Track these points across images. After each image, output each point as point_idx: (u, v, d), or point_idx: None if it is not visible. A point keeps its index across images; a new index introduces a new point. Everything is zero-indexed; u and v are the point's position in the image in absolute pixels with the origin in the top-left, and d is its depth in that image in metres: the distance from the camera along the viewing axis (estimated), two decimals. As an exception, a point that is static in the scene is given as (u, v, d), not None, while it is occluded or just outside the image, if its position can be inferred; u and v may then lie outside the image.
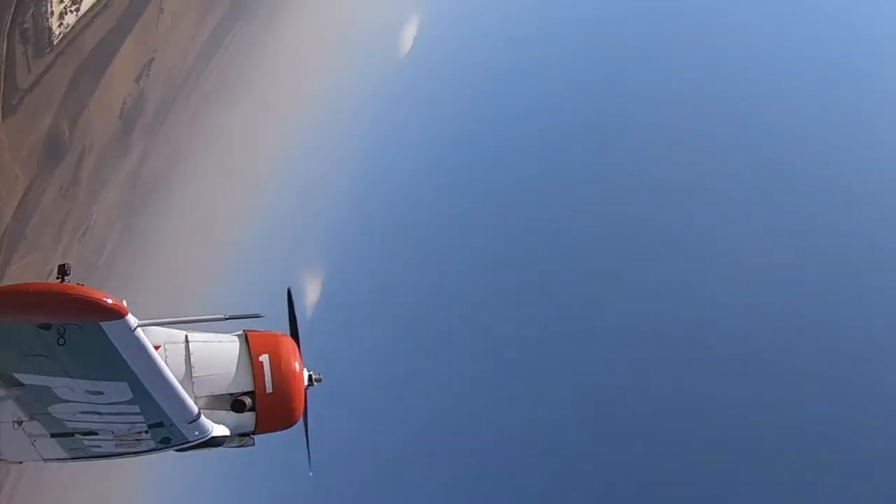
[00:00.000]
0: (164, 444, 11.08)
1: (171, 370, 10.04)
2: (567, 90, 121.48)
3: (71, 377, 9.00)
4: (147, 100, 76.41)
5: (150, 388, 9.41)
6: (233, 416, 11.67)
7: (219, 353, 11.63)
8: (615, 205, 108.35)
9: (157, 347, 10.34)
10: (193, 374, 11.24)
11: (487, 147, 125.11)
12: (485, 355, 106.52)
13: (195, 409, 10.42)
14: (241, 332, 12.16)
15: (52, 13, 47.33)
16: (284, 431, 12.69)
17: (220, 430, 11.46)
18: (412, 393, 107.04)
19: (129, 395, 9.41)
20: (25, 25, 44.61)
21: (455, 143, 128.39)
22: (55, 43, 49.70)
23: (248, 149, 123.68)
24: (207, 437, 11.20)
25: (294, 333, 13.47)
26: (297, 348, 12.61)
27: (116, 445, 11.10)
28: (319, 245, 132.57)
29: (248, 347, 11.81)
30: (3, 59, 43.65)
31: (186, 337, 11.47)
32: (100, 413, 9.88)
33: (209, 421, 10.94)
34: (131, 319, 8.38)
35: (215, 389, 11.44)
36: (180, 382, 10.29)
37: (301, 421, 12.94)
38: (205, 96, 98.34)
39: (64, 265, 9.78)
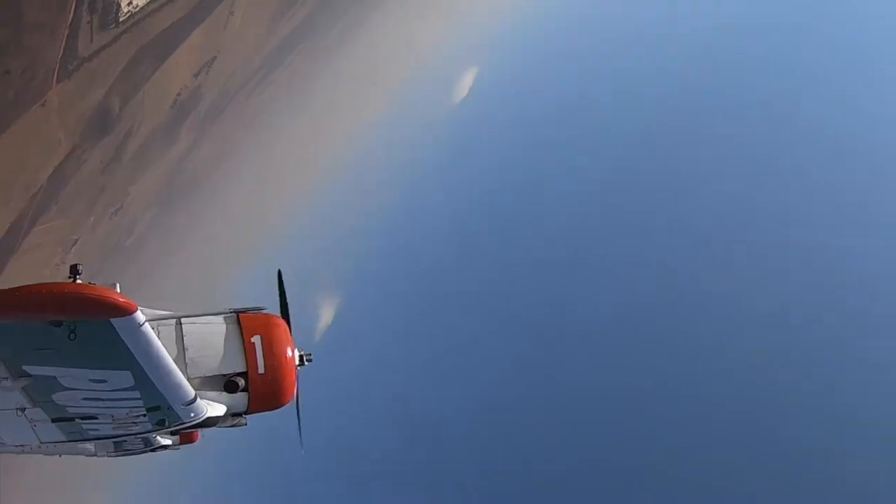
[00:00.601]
0: (160, 426, 11.10)
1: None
2: (612, 152, 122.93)
3: (77, 368, 9.19)
4: (202, 96, 77.56)
5: (152, 375, 9.52)
6: (225, 397, 11.66)
7: (211, 334, 11.65)
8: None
9: None
10: (186, 356, 11.29)
11: (524, 198, 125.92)
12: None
13: (192, 392, 10.41)
14: (232, 314, 12.09)
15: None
16: (276, 411, 12.66)
17: (214, 411, 11.47)
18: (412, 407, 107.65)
19: (132, 382, 9.54)
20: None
21: (493, 189, 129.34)
22: (121, 20, 50.53)
23: (292, 164, 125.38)
24: (202, 419, 11.17)
25: (285, 314, 13.43)
26: (288, 329, 12.54)
27: (114, 428, 11.15)
28: (343, 271, 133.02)
29: (240, 329, 11.84)
30: (69, 23, 44.36)
31: (179, 318, 11.52)
32: (101, 399, 9.98)
33: (204, 402, 10.96)
34: (139, 315, 8.58)
35: (208, 370, 11.48)
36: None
37: (293, 401, 12.90)
38: (260, 105, 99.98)
39: (76, 265, 9.89)
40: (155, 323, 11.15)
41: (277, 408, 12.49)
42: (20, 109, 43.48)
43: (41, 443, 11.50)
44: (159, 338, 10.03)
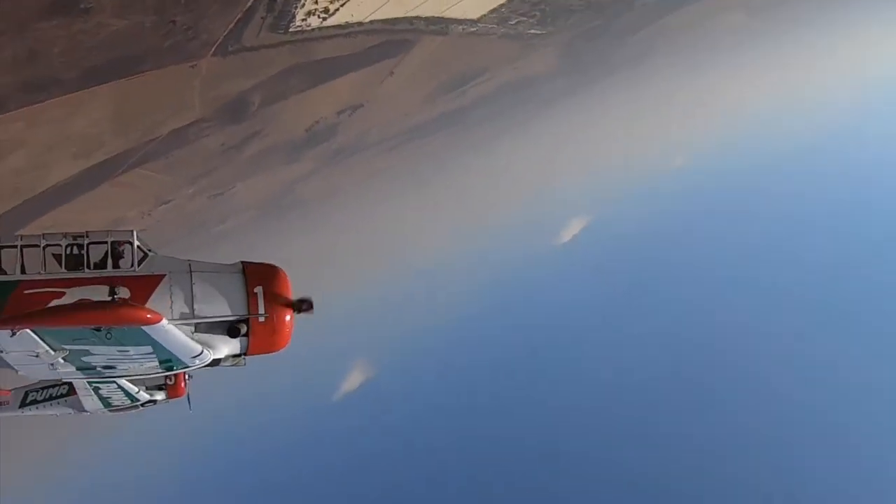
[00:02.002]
0: (168, 370, 12.38)
1: (176, 297, 11.74)
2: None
3: (108, 346, 10.73)
4: (337, 134, 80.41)
5: (168, 346, 11.02)
6: (228, 340, 12.47)
7: (219, 283, 12.42)
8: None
9: (163, 275, 11.75)
10: (195, 302, 12.02)
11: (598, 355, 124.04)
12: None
13: (198, 348, 11.61)
14: (238, 265, 12.82)
15: (303, 5, 51.32)
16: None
17: (217, 354, 12.40)
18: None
19: (150, 351, 11.13)
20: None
21: (567, 337, 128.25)
22: (290, 31, 53.65)
23: (387, 234, 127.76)
24: (206, 363, 12.22)
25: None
26: (288, 280, 13.11)
27: (127, 374, 12.79)
28: (387, 354, 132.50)
29: (245, 279, 12.59)
30: (245, 9, 47.51)
31: (190, 266, 12.32)
32: (123, 359, 11.59)
33: (209, 351, 11.99)
34: (164, 322, 10.32)
35: (213, 315, 12.25)
36: (184, 307, 11.76)
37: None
38: (384, 167, 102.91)
39: (114, 287, 11.32)
40: (168, 270, 12.03)
41: (274, 351, 13.13)
42: (171, 59, 46.31)
43: (63, 381, 13.58)
44: (171, 285, 11.81)
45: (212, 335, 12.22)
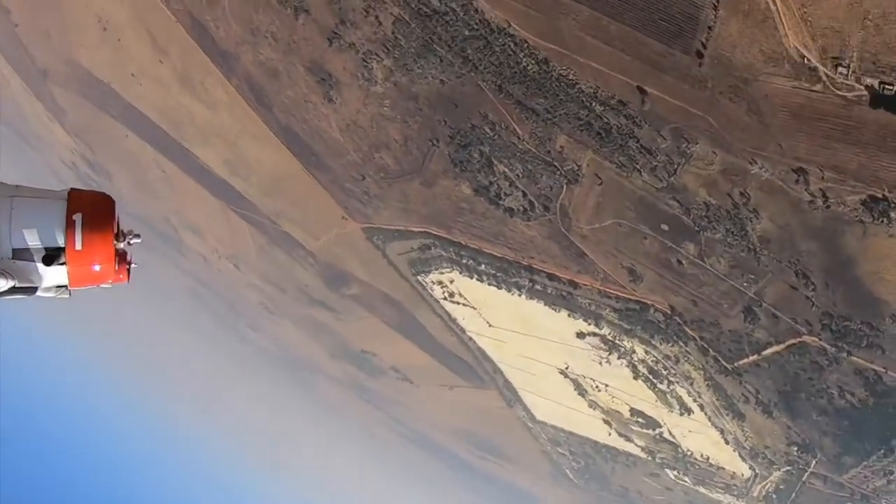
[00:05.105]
0: None
1: None
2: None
3: None
4: (377, 378, 79.41)
5: None
6: (46, 269, 10.77)
7: (39, 209, 10.79)
8: None
9: None
10: (12, 227, 10.48)
11: None
12: None
13: None
14: (65, 192, 11.07)
15: (441, 273, 53.52)
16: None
17: (36, 282, 11.35)
18: None
19: None
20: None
21: None
22: (417, 277, 55.54)
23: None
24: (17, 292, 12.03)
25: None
26: (113, 208, 12.96)
27: None
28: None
29: (67, 206, 11.12)
30: (419, 229, 50.26)
31: (15, 191, 10.82)
32: None
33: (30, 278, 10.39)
34: None
35: (30, 243, 10.59)
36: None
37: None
38: (381, 440, 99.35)
39: None
40: None
41: (97, 283, 12.41)
42: (341, 195, 50.01)
43: None
44: None
45: (27, 262, 10.13)
